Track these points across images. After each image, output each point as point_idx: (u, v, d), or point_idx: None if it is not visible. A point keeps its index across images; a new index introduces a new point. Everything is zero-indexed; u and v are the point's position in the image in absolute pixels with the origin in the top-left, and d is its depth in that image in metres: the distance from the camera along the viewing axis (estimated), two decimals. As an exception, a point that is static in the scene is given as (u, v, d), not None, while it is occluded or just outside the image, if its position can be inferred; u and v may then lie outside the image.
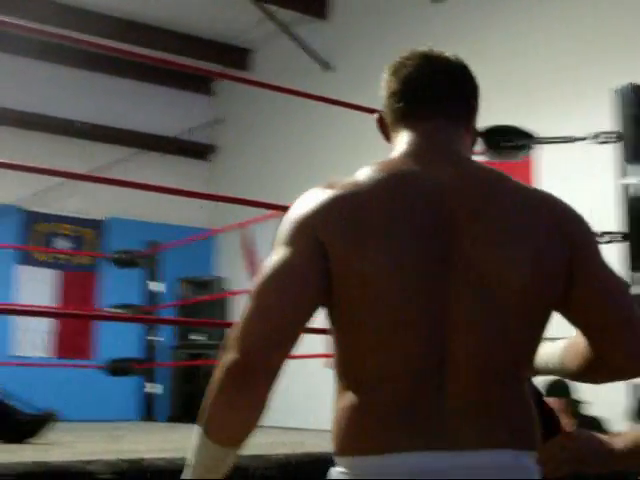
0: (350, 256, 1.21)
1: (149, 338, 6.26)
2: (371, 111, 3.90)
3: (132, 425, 5.25)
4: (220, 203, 7.50)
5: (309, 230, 1.23)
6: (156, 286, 6.33)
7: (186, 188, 4.32)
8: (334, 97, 3.76)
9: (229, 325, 3.32)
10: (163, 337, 6.68)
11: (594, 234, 1.36)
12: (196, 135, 8.70)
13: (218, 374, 1.18)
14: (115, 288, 7.31)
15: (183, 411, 6.69)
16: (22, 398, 3.43)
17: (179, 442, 3.14)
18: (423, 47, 1.42)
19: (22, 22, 3.22)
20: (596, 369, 1.34)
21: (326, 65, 7.20)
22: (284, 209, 3.67)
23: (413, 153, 1.32)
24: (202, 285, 7.78)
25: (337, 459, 1.24)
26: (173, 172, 8.10)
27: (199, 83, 8.81)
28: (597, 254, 1.31)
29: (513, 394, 1.24)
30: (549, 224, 1.28)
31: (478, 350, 1.21)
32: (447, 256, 1.22)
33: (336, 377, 1.27)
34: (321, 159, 7.05)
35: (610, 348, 1.28)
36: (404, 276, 1.20)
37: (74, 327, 7.78)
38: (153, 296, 6.29)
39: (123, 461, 2.00)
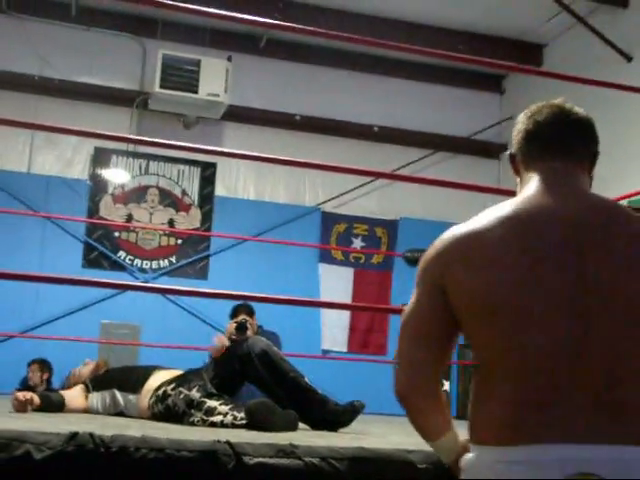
0: (464, 286, 1.44)
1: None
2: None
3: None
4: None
5: (432, 275, 1.52)
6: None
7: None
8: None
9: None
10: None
11: None
12: (486, 134, 8.66)
13: None
14: (407, 286, 7.48)
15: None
16: (326, 390, 3.59)
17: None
18: (557, 100, 1.65)
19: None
20: None
21: (627, 56, 6.82)
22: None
23: (543, 189, 1.52)
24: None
25: (487, 449, 1.38)
26: (464, 172, 8.12)
27: (490, 82, 8.78)
28: None
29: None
30: None
31: (607, 353, 1.36)
32: (578, 276, 1.39)
33: (478, 375, 1.48)
34: (622, 154, 6.70)
35: None
36: (544, 294, 1.39)
37: (369, 324, 8.08)
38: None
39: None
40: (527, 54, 8.08)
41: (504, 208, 1.50)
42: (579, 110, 1.64)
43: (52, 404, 3.63)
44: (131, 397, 3.62)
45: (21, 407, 3.40)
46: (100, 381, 3.82)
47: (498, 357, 1.40)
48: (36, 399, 3.51)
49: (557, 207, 1.48)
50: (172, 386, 3.45)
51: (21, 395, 3.45)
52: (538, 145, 1.61)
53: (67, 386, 4.08)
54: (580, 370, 1.35)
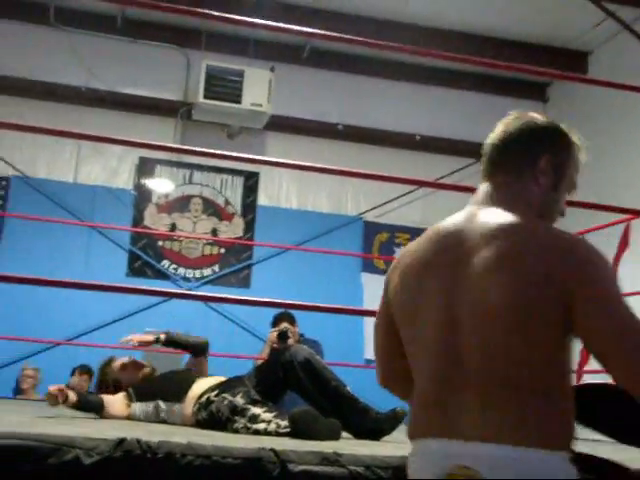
0: (396, 296, 1.68)
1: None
2: None
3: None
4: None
5: (386, 288, 1.75)
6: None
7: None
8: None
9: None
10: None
11: (599, 273, 1.49)
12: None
13: None
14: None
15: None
16: (369, 400, 3.58)
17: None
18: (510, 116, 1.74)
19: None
20: None
21: (674, 62, 6.73)
22: (633, 213, 3.45)
23: (465, 208, 1.66)
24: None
25: (410, 442, 1.62)
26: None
27: (534, 90, 8.71)
28: (598, 290, 1.46)
29: (517, 398, 1.44)
30: (545, 259, 1.47)
31: (481, 357, 1.48)
32: (453, 285, 1.54)
33: None
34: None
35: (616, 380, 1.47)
36: (428, 305, 1.57)
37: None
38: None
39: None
40: (572, 62, 8.00)
41: (433, 227, 1.68)
42: (522, 121, 1.71)
43: (89, 404, 3.61)
44: (176, 406, 3.62)
45: (52, 399, 3.40)
46: (143, 393, 3.79)
47: (410, 362, 1.64)
48: (72, 395, 3.47)
49: (455, 223, 1.62)
50: (215, 392, 3.46)
51: (53, 387, 3.43)
52: (483, 165, 1.74)
53: (104, 378, 4.00)
54: (460, 373, 1.50)
